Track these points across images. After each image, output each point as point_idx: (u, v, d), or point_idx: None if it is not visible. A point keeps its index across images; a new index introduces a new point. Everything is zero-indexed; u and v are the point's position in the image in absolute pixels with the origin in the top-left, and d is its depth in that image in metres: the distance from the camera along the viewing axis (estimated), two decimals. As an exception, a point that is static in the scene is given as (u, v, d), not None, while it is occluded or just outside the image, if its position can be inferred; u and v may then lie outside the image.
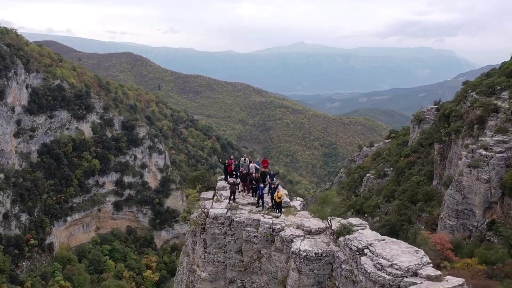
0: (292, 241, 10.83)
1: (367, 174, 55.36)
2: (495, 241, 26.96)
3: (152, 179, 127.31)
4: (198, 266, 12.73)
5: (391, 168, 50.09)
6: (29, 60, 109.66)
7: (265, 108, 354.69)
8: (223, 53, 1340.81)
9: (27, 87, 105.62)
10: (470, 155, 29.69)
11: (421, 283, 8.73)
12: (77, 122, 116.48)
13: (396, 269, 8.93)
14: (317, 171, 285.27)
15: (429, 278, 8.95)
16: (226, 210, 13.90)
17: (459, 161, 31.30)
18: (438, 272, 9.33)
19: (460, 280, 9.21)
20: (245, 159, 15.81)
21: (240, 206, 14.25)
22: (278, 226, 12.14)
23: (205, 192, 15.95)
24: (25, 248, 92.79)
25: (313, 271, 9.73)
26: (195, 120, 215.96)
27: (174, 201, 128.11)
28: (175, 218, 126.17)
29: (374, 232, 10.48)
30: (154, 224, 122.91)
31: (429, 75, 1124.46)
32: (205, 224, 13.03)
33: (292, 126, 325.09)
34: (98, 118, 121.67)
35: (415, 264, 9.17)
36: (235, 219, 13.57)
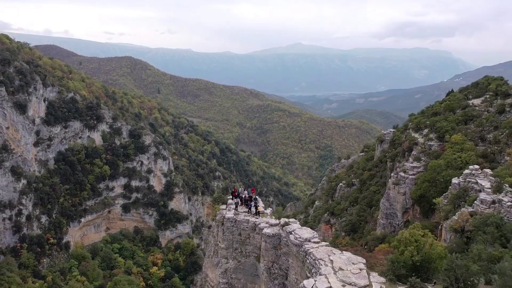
0: (263, 229, 22.29)
1: (340, 183, 66.28)
2: (407, 234, 37.83)
3: (157, 183, 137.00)
4: (219, 241, 24.12)
5: (358, 179, 60.99)
6: (46, 76, 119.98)
7: (262, 111, 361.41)
8: (221, 54, 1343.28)
9: (44, 101, 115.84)
10: (395, 175, 41.02)
11: (310, 244, 19.39)
12: (88, 131, 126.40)
13: (301, 239, 19.75)
14: (313, 173, 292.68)
15: (314, 242, 19.64)
16: (233, 215, 25.49)
17: (389, 179, 42.63)
18: (318, 240, 19.96)
19: (327, 243, 19.74)
20: (241, 189, 27.58)
21: (240, 213, 25.93)
22: (257, 222, 23.88)
23: (222, 205, 27.62)
24: (46, 246, 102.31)
25: (271, 242, 21.20)
26: (195, 126, 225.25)
27: (178, 203, 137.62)
28: (178, 219, 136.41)
29: (298, 225, 21.65)
30: (159, 225, 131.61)
31: (426, 76, 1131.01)
32: (223, 221, 24.55)
33: (289, 129, 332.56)
34: (107, 128, 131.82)
35: (310, 237, 19.98)
36: (237, 219, 25.45)
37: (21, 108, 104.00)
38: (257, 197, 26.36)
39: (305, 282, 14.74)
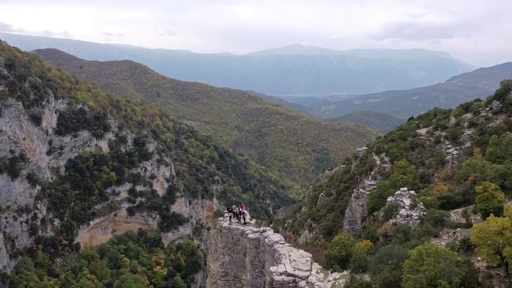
0: (248, 234, 31.37)
1: (321, 193, 75.76)
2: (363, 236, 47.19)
3: (160, 188, 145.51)
4: (218, 243, 33.51)
5: (335, 190, 70.23)
6: (57, 89, 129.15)
7: (260, 114, 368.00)
8: (219, 55, 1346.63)
9: (56, 112, 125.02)
10: (356, 191, 50.47)
11: (278, 244, 28.43)
12: (96, 140, 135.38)
13: (272, 241, 28.68)
14: (310, 175, 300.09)
15: (280, 243, 28.44)
16: (228, 224, 34.46)
17: (352, 194, 52.18)
18: (284, 242, 28.92)
19: (289, 244, 28.71)
20: (234, 205, 36.88)
21: (232, 223, 35.11)
22: (244, 230, 32.99)
23: (220, 217, 36.87)
24: (59, 247, 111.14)
25: (253, 243, 30.33)
26: (195, 131, 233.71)
27: (179, 206, 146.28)
28: (180, 221, 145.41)
29: (272, 232, 30.74)
30: (162, 227, 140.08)
31: (423, 77, 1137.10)
32: (221, 229, 33.73)
33: (286, 132, 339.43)
34: (113, 136, 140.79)
35: (278, 240, 28.76)
36: (231, 227, 34.34)
37: (36, 120, 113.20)
38: (245, 211, 35.70)
39: (271, 268, 23.87)
